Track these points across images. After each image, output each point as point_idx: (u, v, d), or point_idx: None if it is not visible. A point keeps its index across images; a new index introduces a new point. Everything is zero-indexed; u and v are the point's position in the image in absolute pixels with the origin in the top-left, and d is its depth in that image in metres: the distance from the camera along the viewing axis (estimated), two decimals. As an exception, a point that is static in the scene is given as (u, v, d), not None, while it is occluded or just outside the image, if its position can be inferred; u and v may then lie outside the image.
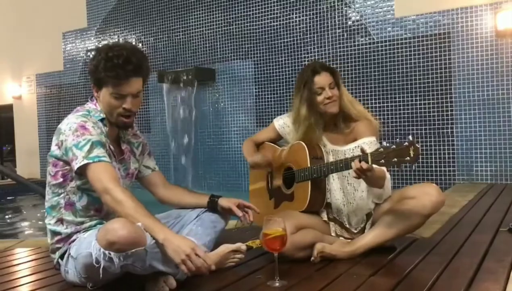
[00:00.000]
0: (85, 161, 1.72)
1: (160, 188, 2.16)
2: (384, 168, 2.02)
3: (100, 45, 1.95)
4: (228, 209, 2.11)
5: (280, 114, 2.49)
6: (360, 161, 1.86)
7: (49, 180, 1.89)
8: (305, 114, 2.20)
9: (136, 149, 2.08)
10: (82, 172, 1.76)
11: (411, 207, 2.02)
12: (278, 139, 2.46)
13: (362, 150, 1.87)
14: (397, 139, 1.80)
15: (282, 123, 2.40)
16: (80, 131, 1.77)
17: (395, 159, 1.78)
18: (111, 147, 1.91)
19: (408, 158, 1.76)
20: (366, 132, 2.17)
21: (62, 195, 1.86)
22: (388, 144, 1.83)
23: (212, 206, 2.13)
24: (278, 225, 1.75)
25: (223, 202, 2.12)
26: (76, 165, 1.74)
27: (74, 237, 1.84)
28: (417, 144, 1.76)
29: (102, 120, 1.88)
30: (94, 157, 1.73)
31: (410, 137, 1.78)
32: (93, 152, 1.74)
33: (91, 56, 1.91)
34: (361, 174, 1.88)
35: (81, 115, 1.85)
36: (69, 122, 1.82)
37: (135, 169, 2.07)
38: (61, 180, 1.85)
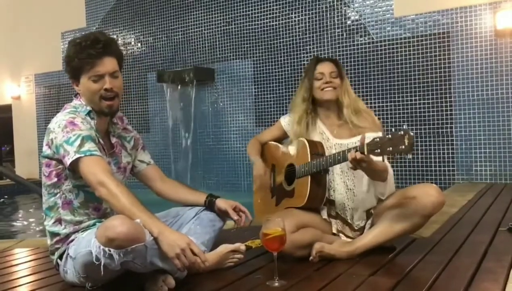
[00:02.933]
0: (77, 155, 1.71)
1: (157, 182, 2.16)
2: (387, 163, 2.04)
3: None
4: (224, 211, 2.11)
5: (279, 113, 2.51)
6: (355, 151, 1.88)
7: (44, 181, 1.88)
8: (302, 97, 2.27)
9: (127, 143, 2.06)
10: (74, 167, 1.74)
11: (412, 207, 2.02)
12: (283, 137, 2.46)
13: (361, 140, 1.89)
14: (392, 129, 1.81)
15: (288, 120, 2.41)
16: (69, 127, 1.76)
17: (390, 148, 1.79)
18: (101, 140, 1.90)
19: (403, 146, 1.76)
20: (371, 128, 2.19)
21: (58, 195, 1.86)
22: (383, 135, 1.84)
23: (210, 206, 2.12)
24: (277, 225, 1.75)
25: (221, 203, 2.12)
26: (68, 160, 1.73)
27: (72, 237, 1.84)
28: (411, 133, 1.76)
29: (89, 113, 1.87)
30: (85, 151, 1.72)
31: (405, 126, 1.79)
32: (84, 146, 1.73)
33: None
34: (356, 164, 1.89)
35: (69, 112, 1.84)
36: (58, 120, 1.81)
37: (127, 163, 2.05)
38: (56, 179, 1.84)
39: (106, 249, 1.56)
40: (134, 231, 1.57)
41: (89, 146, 1.74)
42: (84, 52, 1.80)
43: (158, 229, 1.62)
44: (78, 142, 1.73)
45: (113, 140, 1.99)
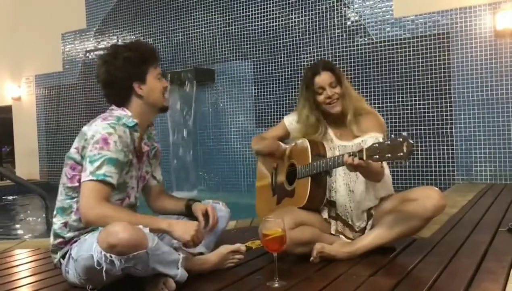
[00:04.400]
0: (90, 177, 1.72)
1: (153, 199, 2.14)
2: (384, 164, 2.05)
3: (111, 48, 1.94)
4: (199, 213, 2.07)
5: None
6: (354, 156, 1.88)
7: (64, 181, 1.87)
8: (306, 114, 2.25)
9: (150, 151, 2.07)
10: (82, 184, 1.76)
11: (413, 210, 2.02)
12: (286, 136, 2.46)
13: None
14: (392, 135, 1.81)
15: (292, 119, 2.41)
16: (100, 144, 1.74)
17: (389, 155, 1.80)
18: (137, 152, 1.91)
19: (401, 153, 1.77)
20: (373, 128, 2.19)
21: (75, 199, 1.84)
22: (382, 140, 1.84)
23: (189, 211, 2.10)
24: (277, 226, 1.75)
25: (195, 207, 2.08)
26: (82, 178, 1.74)
27: (75, 239, 1.84)
28: (410, 141, 1.77)
29: (134, 126, 1.86)
30: (99, 174, 1.71)
31: (404, 133, 1.80)
32: (101, 169, 1.72)
33: (116, 61, 1.87)
34: (353, 168, 1.92)
35: (109, 124, 1.79)
36: (96, 130, 1.78)
37: (146, 173, 2.05)
38: (77, 184, 1.82)
39: (108, 254, 1.56)
40: (137, 237, 1.57)
41: (106, 169, 1.73)
42: (154, 55, 1.94)
43: (166, 224, 1.76)
44: (98, 163, 1.72)
45: (145, 148, 1.99)
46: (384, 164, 2.07)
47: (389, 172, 2.17)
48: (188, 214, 2.10)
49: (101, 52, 7.12)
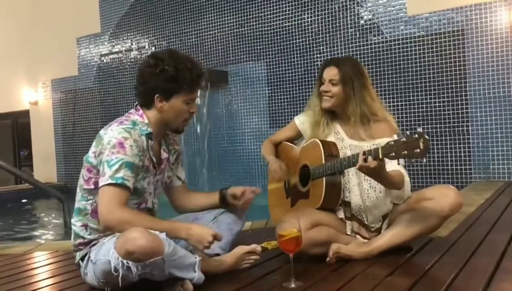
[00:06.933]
0: (109, 181, 1.73)
1: (180, 198, 2.17)
2: (403, 170, 2.03)
3: (160, 55, 1.90)
4: (235, 195, 2.12)
5: (293, 114, 2.51)
6: (369, 155, 1.85)
7: (81, 183, 1.90)
8: (314, 101, 2.29)
9: (171, 156, 2.09)
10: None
11: (429, 209, 2.00)
12: (297, 137, 2.46)
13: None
14: (407, 132, 1.79)
15: (303, 119, 2.41)
16: (116, 148, 1.77)
17: (405, 151, 1.77)
18: (154, 158, 1.92)
19: (418, 150, 1.74)
20: (385, 132, 2.16)
21: (90, 201, 1.88)
22: (398, 138, 1.82)
23: (224, 200, 2.14)
24: (293, 226, 1.76)
25: (233, 190, 2.14)
26: (101, 183, 1.76)
27: (95, 242, 1.87)
28: (426, 136, 1.74)
29: (149, 134, 1.88)
30: (118, 178, 1.73)
31: (420, 129, 1.76)
32: (119, 172, 1.74)
33: (155, 68, 1.86)
34: (365, 169, 1.88)
35: (124, 129, 1.82)
36: (112, 136, 1.80)
37: (168, 178, 2.08)
38: (93, 187, 1.85)
39: (125, 261, 1.58)
40: (153, 244, 1.59)
41: (124, 173, 1.74)
42: (195, 81, 1.90)
43: (185, 233, 1.77)
44: (116, 167, 1.74)
45: (164, 155, 2.01)
46: (404, 170, 2.05)
47: (409, 179, 2.14)
48: (223, 204, 2.14)
49: (116, 56, 7.09)
